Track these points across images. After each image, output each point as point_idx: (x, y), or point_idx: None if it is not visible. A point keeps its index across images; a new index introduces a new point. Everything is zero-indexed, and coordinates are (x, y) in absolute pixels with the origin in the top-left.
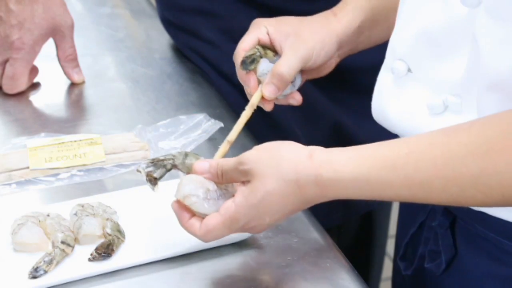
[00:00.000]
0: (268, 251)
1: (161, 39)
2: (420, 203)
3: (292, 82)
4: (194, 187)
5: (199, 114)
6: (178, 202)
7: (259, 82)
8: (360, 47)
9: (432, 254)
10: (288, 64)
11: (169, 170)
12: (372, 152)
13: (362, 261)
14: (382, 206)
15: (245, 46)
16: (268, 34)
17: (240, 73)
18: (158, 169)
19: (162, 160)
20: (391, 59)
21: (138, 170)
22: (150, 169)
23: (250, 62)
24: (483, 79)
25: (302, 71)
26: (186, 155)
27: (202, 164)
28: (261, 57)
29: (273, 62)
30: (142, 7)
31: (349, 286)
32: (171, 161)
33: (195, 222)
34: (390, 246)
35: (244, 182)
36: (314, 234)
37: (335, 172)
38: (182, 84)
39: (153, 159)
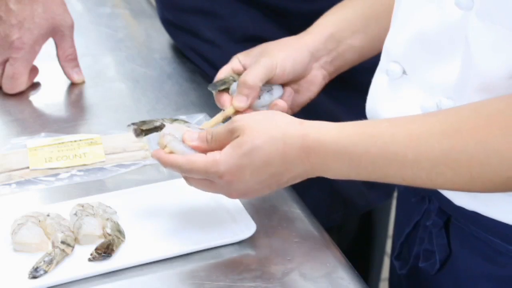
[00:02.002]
0: (268, 251)
1: (161, 39)
2: (414, 205)
3: (268, 91)
4: (174, 130)
5: (199, 114)
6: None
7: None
8: (347, 58)
9: (427, 253)
10: (252, 72)
11: (157, 127)
12: (355, 123)
13: (362, 261)
14: (382, 206)
15: (220, 76)
16: (240, 62)
17: (216, 97)
18: (146, 124)
19: (153, 120)
20: (386, 61)
21: (128, 125)
22: (139, 123)
23: (220, 84)
24: (474, 81)
25: (285, 85)
26: (175, 120)
27: (190, 132)
28: (234, 81)
29: None
30: (142, 7)
31: (349, 285)
32: (161, 121)
33: (176, 156)
34: (390, 246)
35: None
36: (314, 234)
37: (320, 135)
38: (182, 84)
39: (144, 120)
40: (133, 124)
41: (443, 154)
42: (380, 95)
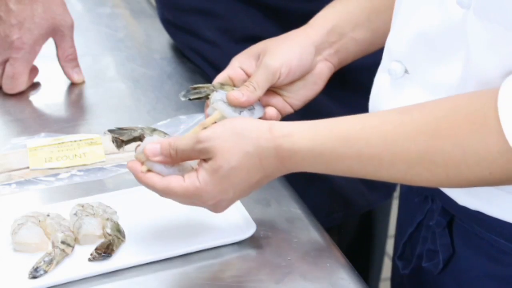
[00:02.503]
0: (268, 251)
1: (161, 39)
2: (417, 205)
3: (250, 109)
4: None
5: (199, 114)
6: (134, 161)
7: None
8: (351, 51)
9: (430, 253)
10: (256, 78)
11: (135, 137)
12: (328, 125)
13: (362, 261)
14: (382, 206)
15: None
16: (239, 65)
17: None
18: (125, 134)
19: (131, 128)
20: (388, 60)
21: (105, 132)
22: (117, 133)
23: (194, 92)
24: (473, 80)
25: (289, 85)
26: (154, 129)
27: (152, 146)
28: (213, 90)
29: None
30: (142, 7)
31: (349, 286)
32: (140, 130)
33: (153, 176)
34: (390, 246)
35: (205, 160)
36: (314, 234)
37: (293, 144)
38: (182, 84)
39: (121, 127)
40: (110, 131)
41: (419, 155)
42: (382, 94)
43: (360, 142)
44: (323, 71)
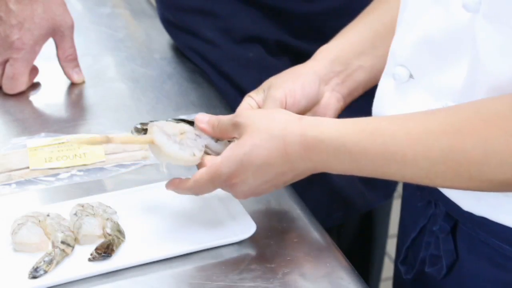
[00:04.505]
0: (268, 251)
1: (161, 39)
2: (420, 209)
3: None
4: (165, 124)
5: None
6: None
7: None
8: (359, 79)
9: (433, 258)
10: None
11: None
12: (355, 120)
13: (362, 261)
14: (382, 206)
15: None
16: (254, 100)
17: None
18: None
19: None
20: (393, 64)
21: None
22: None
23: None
24: (483, 85)
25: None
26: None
27: (203, 114)
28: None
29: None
30: (142, 7)
31: (349, 286)
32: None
33: (184, 180)
34: (390, 246)
35: (234, 139)
36: (314, 234)
37: (319, 133)
38: (182, 84)
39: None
40: (141, 123)
41: (442, 154)
42: (386, 99)
43: (385, 138)
44: (330, 101)
